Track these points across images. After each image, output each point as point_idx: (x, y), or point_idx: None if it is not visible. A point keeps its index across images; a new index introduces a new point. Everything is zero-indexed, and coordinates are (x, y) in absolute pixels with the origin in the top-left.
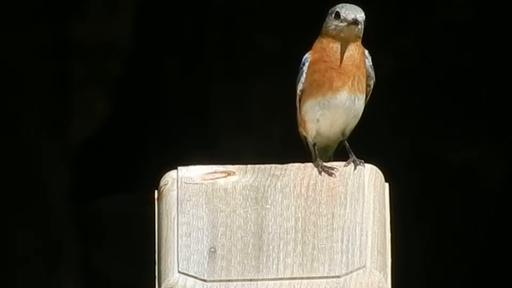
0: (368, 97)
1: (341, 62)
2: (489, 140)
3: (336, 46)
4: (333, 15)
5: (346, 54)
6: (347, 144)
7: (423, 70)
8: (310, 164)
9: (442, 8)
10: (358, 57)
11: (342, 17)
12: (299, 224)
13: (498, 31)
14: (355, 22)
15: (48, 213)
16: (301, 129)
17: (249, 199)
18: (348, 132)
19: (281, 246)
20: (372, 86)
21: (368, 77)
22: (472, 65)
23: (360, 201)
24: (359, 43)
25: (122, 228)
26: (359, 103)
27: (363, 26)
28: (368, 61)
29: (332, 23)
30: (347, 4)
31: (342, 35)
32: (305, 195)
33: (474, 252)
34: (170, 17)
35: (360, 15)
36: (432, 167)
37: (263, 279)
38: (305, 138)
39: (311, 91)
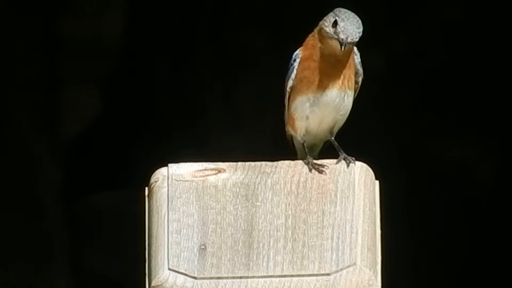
0: (356, 94)
1: (330, 63)
2: (480, 137)
3: (325, 50)
4: (332, 20)
5: (336, 58)
6: (335, 142)
7: (413, 68)
8: (300, 162)
9: (432, 5)
10: (348, 58)
11: (337, 30)
12: (289, 221)
13: (488, 29)
14: (343, 43)
15: (39, 210)
16: (288, 127)
17: (239, 196)
18: (336, 130)
19: (271, 244)
20: (360, 83)
21: (356, 73)
22: (462, 63)
23: (350, 198)
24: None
25: (113, 225)
26: (349, 100)
27: (352, 46)
28: (357, 58)
29: (327, 27)
30: (349, 18)
31: (330, 43)
32: (295, 192)
33: (464, 249)
34: (161, 14)
35: (354, 37)
36: (423, 164)
37: (253, 277)
38: (292, 136)
39: (301, 87)
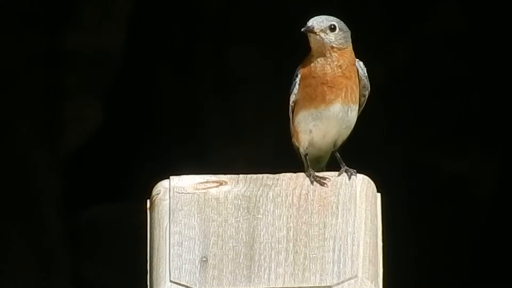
0: (362, 107)
1: (328, 75)
2: (481, 149)
3: (318, 59)
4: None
5: (331, 66)
6: (338, 154)
7: (415, 79)
8: (302, 174)
9: (434, 17)
10: (345, 67)
11: (306, 25)
12: (291, 233)
13: (491, 40)
14: (309, 30)
15: (40, 222)
16: (294, 140)
17: (241, 208)
18: (340, 142)
19: (272, 256)
20: (366, 97)
21: (363, 87)
22: (464, 74)
23: (352, 211)
24: (343, 52)
25: (114, 237)
26: (352, 114)
27: (329, 36)
28: (363, 72)
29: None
30: (320, 15)
31: (312, 45)
32: (297, 204)
33: (465, 261)
34: (163, 27)
35: (318, 21)
36: (424, 176)
37: None
38: (298, 148)
39: (304, 103)
